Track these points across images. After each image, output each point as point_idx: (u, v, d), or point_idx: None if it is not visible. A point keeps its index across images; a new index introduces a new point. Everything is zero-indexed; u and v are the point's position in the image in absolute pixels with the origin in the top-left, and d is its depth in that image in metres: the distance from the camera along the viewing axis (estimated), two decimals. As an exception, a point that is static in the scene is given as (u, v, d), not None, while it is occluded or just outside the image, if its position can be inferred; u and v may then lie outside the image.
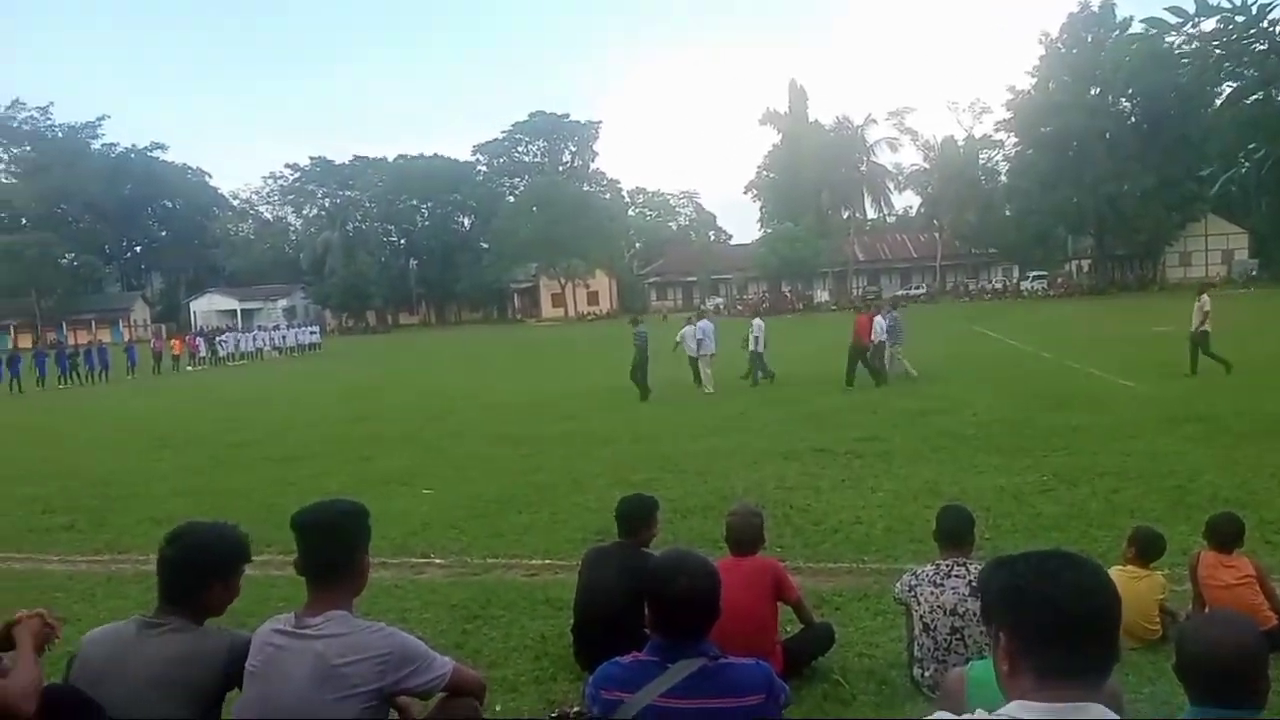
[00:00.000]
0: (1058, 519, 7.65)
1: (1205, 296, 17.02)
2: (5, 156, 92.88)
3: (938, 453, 10.88)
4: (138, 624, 2.91)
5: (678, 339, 20.25)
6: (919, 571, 4.59)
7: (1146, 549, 5.16)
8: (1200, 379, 16.05)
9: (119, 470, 13.01)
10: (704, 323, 19.67)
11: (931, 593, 4.42)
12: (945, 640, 4.36)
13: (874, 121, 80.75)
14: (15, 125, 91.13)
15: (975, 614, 4.22)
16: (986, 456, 10.48)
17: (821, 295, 75.37)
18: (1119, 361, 19.61)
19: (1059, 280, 69.60)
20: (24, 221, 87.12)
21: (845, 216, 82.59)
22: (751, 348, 19.72)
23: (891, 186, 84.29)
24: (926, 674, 4.40)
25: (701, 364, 19.30)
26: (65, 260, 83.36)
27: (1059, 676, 1.59)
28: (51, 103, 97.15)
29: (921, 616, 4.44)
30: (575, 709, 4.43)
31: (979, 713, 1.66)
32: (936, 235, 78.44)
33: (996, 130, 72.26)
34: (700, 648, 2.65)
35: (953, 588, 4.37)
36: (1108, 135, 61.08)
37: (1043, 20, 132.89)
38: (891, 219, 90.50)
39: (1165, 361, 18.35)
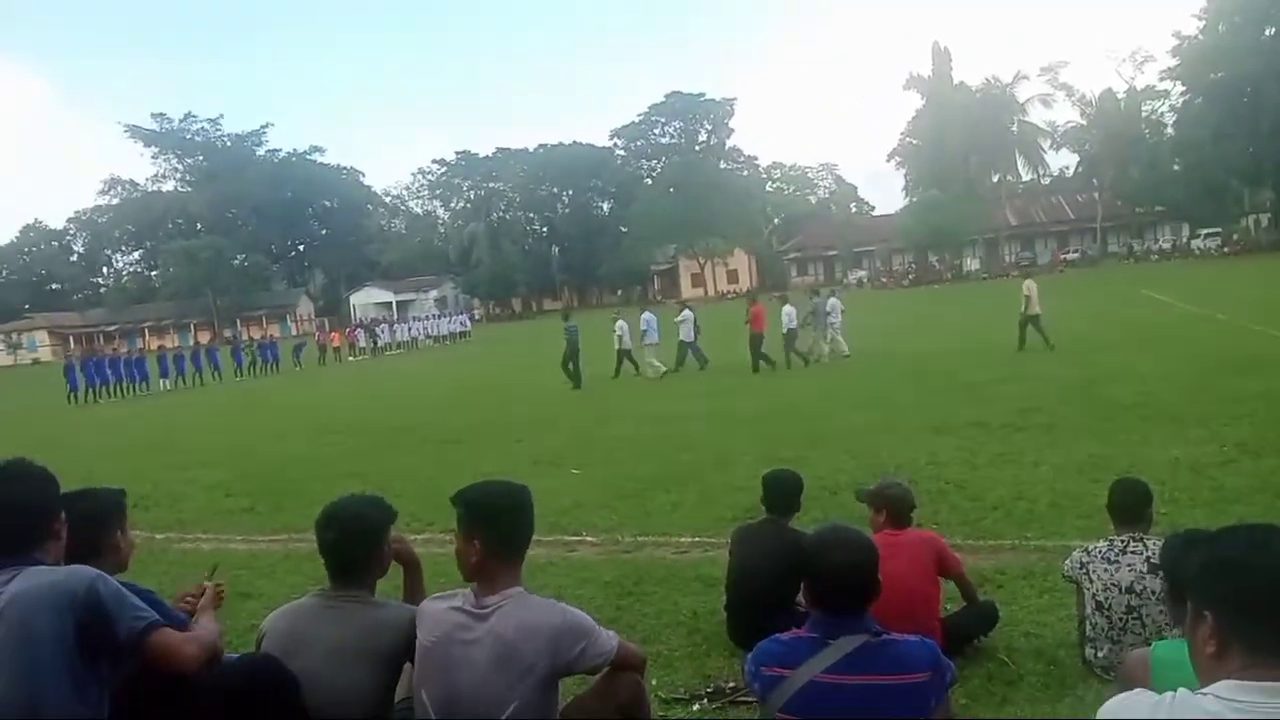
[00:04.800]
0: (1242, 492, 7.11)
1: None
2: (181, 167, 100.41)
3: (1105, 424, 10.30)
4: (320, 599, 3.05)
5: (615, 331, 21.23)
6: (1090, 548, 4.35)
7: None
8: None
9: (293, 455, 13.82)
10: (647, 314, 21.32)
11: (1105, 570, 4.19)
12: (1120, 620, 4.13)
13: (1024, 78, 77.01)
14: (189, 137, 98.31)
15: (1154, 592, 3.99)
16: (1159, 427, 9.86)
17: (972, 264, 72.54)
18: (1308, 322, 18.06)
19: (1234, 237, 64.60)
20: (199, 226, 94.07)
21: (995, 180, 79.20)
22: (680, 337, 21.15)
23: (1046, 146, 79.96)
24: (1100, 654, 4.19)
25: (647, 353, 20.86)
26: (237, 261, 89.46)
27: (1273, 654, 1.49)
28: (221, 114, 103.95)
29: (1094, 595, 4.22)
30: (731, 684, 4.48)
31: (1180, 691, 1.56)
32: (1096, 195, 73.96)
33: (1161, 80, 67.67)
34: (862, 624, 2.60)
35: (1129, 565, 4.14)
36: (1287, 78, 56.10)
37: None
38: (1046, 181, 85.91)
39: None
